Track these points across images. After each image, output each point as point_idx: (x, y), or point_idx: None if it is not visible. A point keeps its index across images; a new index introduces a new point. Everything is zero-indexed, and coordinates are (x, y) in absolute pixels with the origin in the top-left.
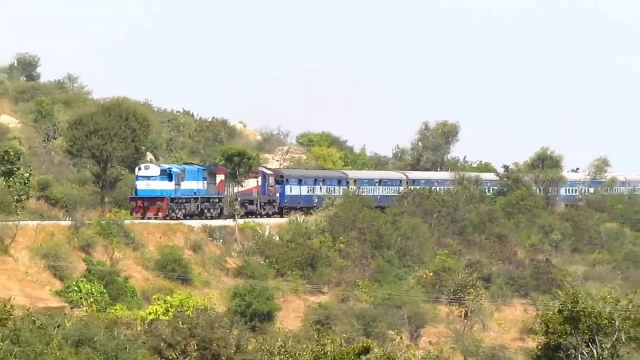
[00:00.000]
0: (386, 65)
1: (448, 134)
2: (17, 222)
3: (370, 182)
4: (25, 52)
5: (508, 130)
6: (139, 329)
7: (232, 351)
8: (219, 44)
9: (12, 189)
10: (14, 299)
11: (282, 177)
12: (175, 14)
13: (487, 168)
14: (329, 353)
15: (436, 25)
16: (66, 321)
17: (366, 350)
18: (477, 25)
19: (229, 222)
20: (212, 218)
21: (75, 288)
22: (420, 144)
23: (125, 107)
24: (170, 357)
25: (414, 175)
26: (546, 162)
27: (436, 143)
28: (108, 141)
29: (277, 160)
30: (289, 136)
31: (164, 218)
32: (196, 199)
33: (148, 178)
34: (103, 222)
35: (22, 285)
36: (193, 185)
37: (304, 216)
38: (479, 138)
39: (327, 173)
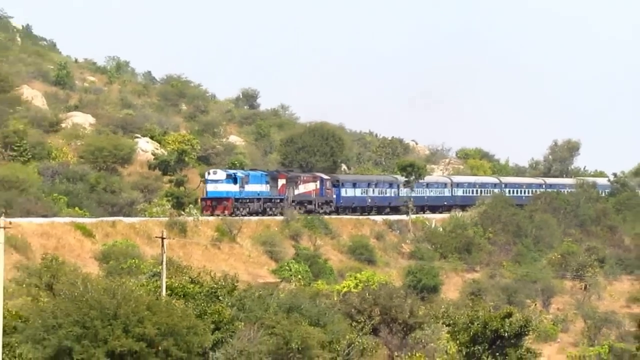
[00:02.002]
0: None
1: (572, 149)
2: (241, 217)
3: (419, 184)
4: (248, 87)
5: (618, 144)
6: (335, 299)
7: (407, 316)
8: (396, 76)
9: None
10: (239, 275)
11: (337, 181)
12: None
13: (601, 175)
14: (480, 316)
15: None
16: (279, 293)
17: (509, 315)
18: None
19: (404, 217)
20: (273, 215)
21: (287, 267)
22: (550, 156)
23: (326, 129)
24: (358, 320)
25: (458, 179)
26: None
27: (562, 156)
28: (312, 155)
29: (441, 170)
30: (450, 151)
31: (230, 215)
32: (259, 199)
33: (216, 181)
34: (308, 217)
35: (246, 265)
36: (257, 188)
37: (461, 212)
38: (596, 151)
39: (380, 177)
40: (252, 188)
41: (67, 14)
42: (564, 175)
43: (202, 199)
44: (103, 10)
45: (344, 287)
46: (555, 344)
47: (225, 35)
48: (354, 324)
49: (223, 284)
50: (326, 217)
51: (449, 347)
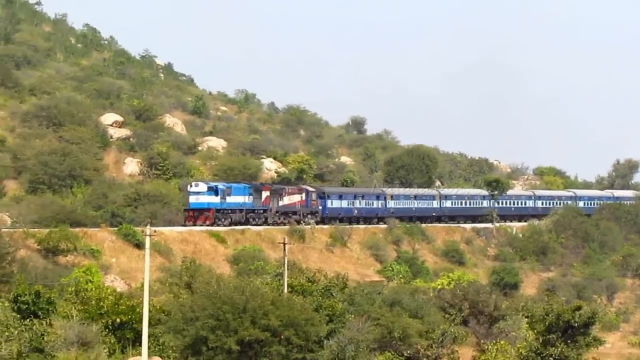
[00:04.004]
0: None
1: (632, 167)
2: (351, 226)
3: (407, 197)
4: (356, 114)
5: None
6: (430, 295)
7: (492, 309)
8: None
9: None
10: (349, 275)
11: (323, 193)
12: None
13: None
14: (554, 309)
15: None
16: (384, 289)
17: (578, 308)
18: None
19: (489, 225)
20: (257, 225)
21: (390, 268)
22: (613, 173)
23: (422, 150)
24: (451, 313)
25: (446, 191)
26: None
27: (624, 172)
28: (410, 173)
29: (520, 185)
30: (528, 169)
31: (210, 225)
32: (241, 210)
33: (197, 193)
34: (407, 225)
35: (355, 266)
36: (239, 199)
37: (537, 221)
38: None
39: (366, 190)
40: (234, 199)
41: (203, 54)
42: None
43: (185, 210)
44: (233, 51)
45: (438, 284)
46: (618, 333)
47: (338, 70)
48: (447, 316)
49: (336, 282)
50: (423, 225)
51: (527, 335)
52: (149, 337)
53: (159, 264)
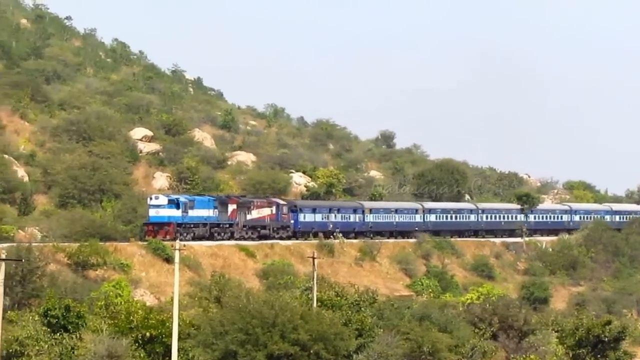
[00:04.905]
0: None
1: None
2: (380, 240)
3: (387, 210)
4: (385, 129)
5: None
6: (460, 309)
7: (521, 323)
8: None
9: None
10: (378, 289)
11: (295, 206)
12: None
13: None
14: (584, 324)
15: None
16: (413, 304)
17: (609, 322)
18: None
19: (519, 239)
20: (222, 240)
21: (419, 282)
22: None
23: (451, 164)
24: (480, 327)
25: (430, 205)
26: None
27: None
28: (439, 186)
29: (550, 199)
30: (557, 183)
31: (171, 240)
32: (205, 224)
33: (158, 206)
34: (436, 240)
35: (384, 280)
36: (203, 213)
37: (567, 235)
38: None
39: (343, 203)
40: (197, 213)
41: (232, 69)
42: None
43: (145, 224)
44: (262, 65)
45: (467, 299)
46: None
47: (365, 84)
48: (476, 330)
49: (365, 296)
50: (452, 239)
51: (557, 350)
52: (178, 351)
53: (189, 278)
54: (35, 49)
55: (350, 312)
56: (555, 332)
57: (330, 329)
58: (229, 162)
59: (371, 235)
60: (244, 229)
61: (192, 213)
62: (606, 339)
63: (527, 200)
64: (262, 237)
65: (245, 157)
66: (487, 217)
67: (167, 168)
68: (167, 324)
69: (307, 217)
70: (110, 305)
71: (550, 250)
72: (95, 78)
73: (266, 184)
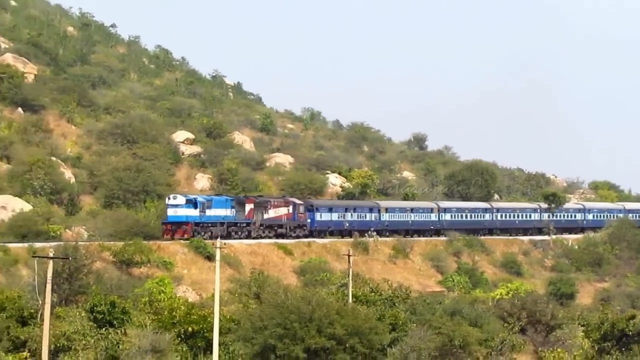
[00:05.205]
0: None
1: None
2: (412, 239)
3: (402, 209)
4: (417, 131)
5: None
6: (489, 304)
7: (549, 318)
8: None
9: None
10: (411, 285)
11: (311, 205)
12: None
13: None
14: (609, 318)
15: None
16: (444, 299)
17: (633, 317)
18: None
19: (546, 237)
20: (239, 239)
21: (450, 279)
22: None
23: (481, 165)
24: (509, 322)
25: (445, 204)
26: None
27: None
28: (470, 187)
29: (576, 199)
30: (583, 183)
31: (189, 239)
32: (222, 224)
33: (176, 206)
34: (467, 238)
35: (417, 277)
36: (220, 212)
37: (593, 233)
38: None
39: (359, 202)
40: (214, 212)
41: (270, 74)
42: None
43: (163, 223)
44: (300, 71)
45: (497, 294)
46: None
47: (399, 87)
48: (505, 324)
49: (398, 292)
50: (482, 237)
51: (583, 343)
52: (219, 345)
53: (229, 275)
54: (82, 56)
55: (384, 307)
56: (581, 326)
57: (365, 323)
58: (268, 164)
59: (387, 234)
60: (261, 228)
61: (209, 212)
62: (630, 333)
63: (554, 200)
64: (278, 236)
65: (283, 159)
66: (501, 216)
67: (208, 169)
68: (209, 319)
69: (323, 217)
70: (153, 301)
71: (576, 247)
72: (139, 83)
73: (303, 185)
